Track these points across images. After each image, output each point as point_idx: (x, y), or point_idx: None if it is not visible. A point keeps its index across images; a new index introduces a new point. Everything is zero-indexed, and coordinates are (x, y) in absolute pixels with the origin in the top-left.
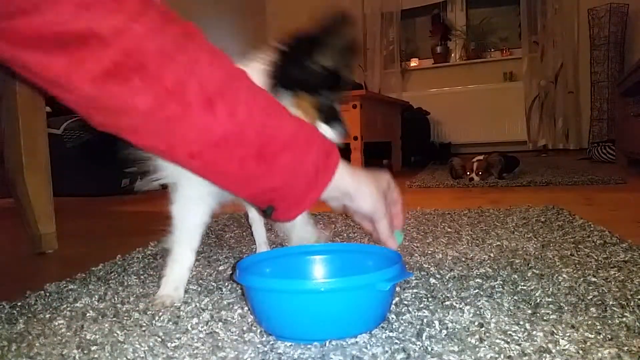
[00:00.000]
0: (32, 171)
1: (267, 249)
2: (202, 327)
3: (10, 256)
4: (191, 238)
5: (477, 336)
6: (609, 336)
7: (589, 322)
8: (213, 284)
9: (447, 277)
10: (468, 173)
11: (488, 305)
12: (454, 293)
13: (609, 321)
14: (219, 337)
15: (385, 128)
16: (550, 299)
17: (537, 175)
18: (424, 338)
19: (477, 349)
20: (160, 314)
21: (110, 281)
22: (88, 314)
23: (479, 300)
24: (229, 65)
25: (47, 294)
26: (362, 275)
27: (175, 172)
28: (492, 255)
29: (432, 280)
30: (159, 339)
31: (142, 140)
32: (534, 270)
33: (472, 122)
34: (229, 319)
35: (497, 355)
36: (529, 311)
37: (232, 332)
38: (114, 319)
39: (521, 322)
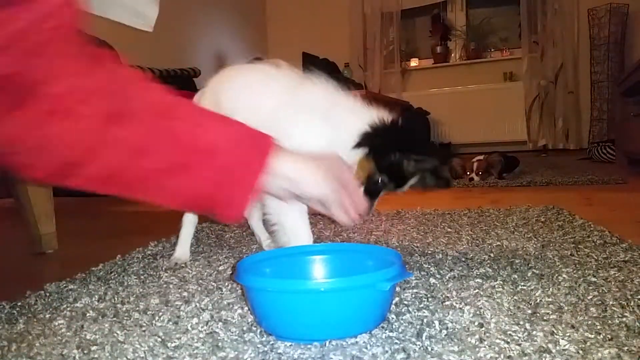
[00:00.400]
0: None
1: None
2: (202, 327)
3: (10, 256)
4: None
5: (477, 336)
6: (609, 336)
7: (589, 322)
8: (213, 284)
9: (447, 277)
10: (468, 173)
11: (488, 305)
12: (454, 293)
13: (609, 321)
14: (219, 337)
15: None
16: (550, 299)
17: (537, 175)
18: (424, 338)
19: (477, 349)
20: (161, 314)
21: (110, 281)
22: (88, 314)
23: (479, 300)
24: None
25: (47, 294)
26: (362, 275)
27: None
28: (492, 255)
29: (432, 280)
30: (159, 339)
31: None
32: (534, 270)
33: (472, 122)
34: (229, 319)
35: (497, 355)
36: (529, 311)
37: (232, 332)
38: (114, 319)
39: (521, 322)
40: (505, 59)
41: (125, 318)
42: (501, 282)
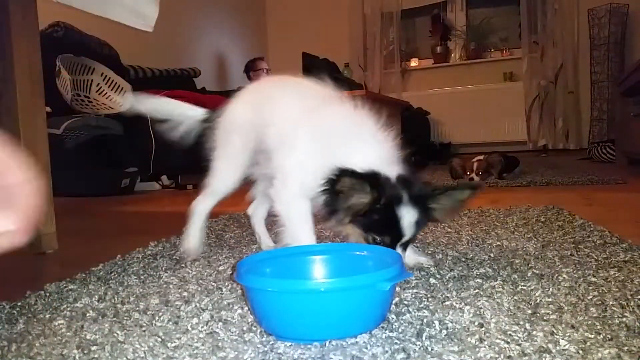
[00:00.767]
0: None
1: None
2: (202, 327)
3: (10, 256)
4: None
5: (477, 336)
6: (609, 336)
7: (589, 322)
8: (213, 284)
9: (447, 277)
10: (468, 173)
11: (488, 305)
12: (454, 293)
13: (609, 321)
14: (219, 337)
15: None
16: (550, 299)
17: (537, 175)
18: (424, 338)
19: (477, 349)
20: (161, 314)
21: (110, 281)
22: (88, 314)
23: (479, 300)
24: None
25: (47, 294)
26: (362, 275)
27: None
28: (492, 255)
29: (432, 280)
30: (159, 339)
31: None
32: (534, 270)
33: (472, 122)
34: (229, 319)
35: (497, 355)
36: (529, 311)
37: (232, 332)
38: (114, 319)
39: (521, 322)
40: (505, 59)
41: (125, 318)
42: (501, 282)
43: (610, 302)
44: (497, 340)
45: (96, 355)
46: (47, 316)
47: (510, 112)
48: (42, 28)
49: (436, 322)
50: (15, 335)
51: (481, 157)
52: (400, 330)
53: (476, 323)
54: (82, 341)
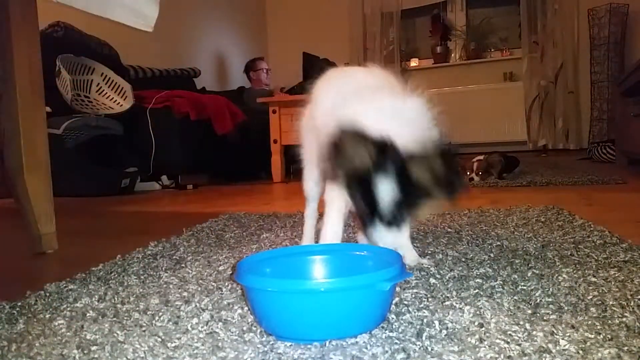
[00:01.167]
0: (32, 171)
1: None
2: (202, 327)
3: (10, 256)
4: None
5: (477, 336)
6: (609, 336)
7: (589, 322)
8: (213, 284)
9: (447, 277)
10: (468, 173)
11: (488, 305)
12: (454, 293)
13: (609, 321)
14: (219, 337)
15: None
16: (550, 299)
17: (537, 175)
18: (424, 338)
19: (477, 349)
20: (161, 314)
21: (110, 281)
22: (88, 314)
23: (479, 300)
24: None
25: (47, 294)
26: (362, 275)
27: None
28: (492, 255)
29: (432, 280)
30: (159, 339)
31: None
32: (534, 270)
33: (472, 122)
34: (229, 319)
35: (497, 355)
36: (529, 311)
37: (232, 332)
38: (114, 319)
39: (521, 322)
40: (505, 59)
41: (125, 318)
42: (501, 282)
43: (610, 302)
44: (497, 340)
45: (96, 355)
46: (47, 316)
47: (510, 112)
48: (42, 28)
49: (436, 322)
50: (15, 335)
51: (481, 157)
52: (400, 330)
53: (476, 323)
54: (82, 341)
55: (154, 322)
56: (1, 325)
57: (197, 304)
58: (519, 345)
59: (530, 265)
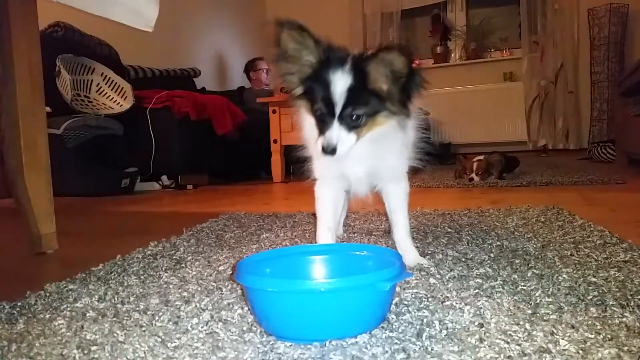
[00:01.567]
0: (32, 171)
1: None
2: (202, 327)
3: (10, 256)
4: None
5: (477, 336)
6: (609, 336)
7: (589, 322)
8: (213, 284)
9: (447, 277)
10: (468, 173)
11: (488, 305)
12: (454, 293)
13: (609, 321)
14: (219, 337)
15: None
16: (550, 299)
17: (537, 175)
18: (424, 338)
19: (477, 349)
20: (161, 314)
21: (110, 281)
22: (88, 314)
23: (479, 300)
24: None
25: (47, 294)
26: (362, 275)
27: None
28: (492, 255)
29: (432, 280)
30: (159, 339)
31: None
32: (534, 270)
33: (472, 122)
34: (229, 319)
35: (497, 355)
36: (529, 311)
37: (232, 332)
38: (114, 319)
39: (521, 322)
40: (505, 59)
41: (125, 318)
42: (501, 282)
43: (610, 302)
44: (497, 340)
45: (96, 355)
46: (47, 316)
47: (510, 112)
48: (42, 28)
49: (436, 322)
50: (15, 335)
51: (481, 157)
52: (400, 330)
53: (476, 323)
54: (82, 341)
55: (154, 322)
56: (1, 325)
57: (197, 304)
58: (519, 345)
59: (530, 265)
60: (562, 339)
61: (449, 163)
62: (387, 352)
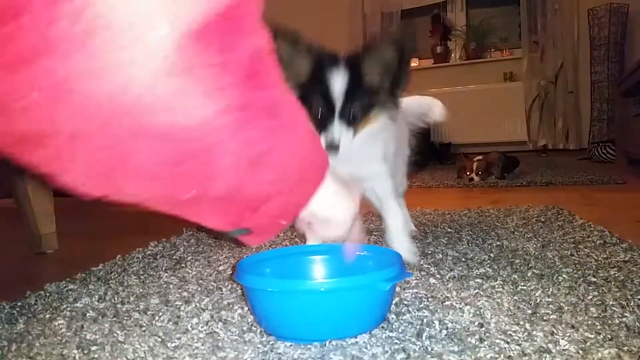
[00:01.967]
0: None
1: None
2: (202, 327)
3: (10, 256)
4: None
5: (477, 336)
6: (609, 336)
7: (589, 322)
8: (213, 284)
9: (447, 277)
10: (468, 173)
11: (488, 305)
12: (454, 293)
13: (609, 321)
14: (219, 337)
15: None
16: (550, 299)
17: (537, 175)
18: (424, 338)
19: (477, 349)
20: (161, 314)
21: (110, 281)
22: (88, 314)
23: (479, 300)
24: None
25: (47, 294)
26: (362, 275)
27: None
28: (492, 255)
29: (432, 280)
30: (159, 339)
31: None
32: (534, 270)
33: (472, 122)
34: (229, 319)
35: (497, 355)
36: (529, 311)
37: (232, 332)
38: (114, 319)
39: (521, 322)
40: (505, 59)
41: (125, 318)
42: (501, 282)
43: (610, 302)
44: (497, 340)
45: (96, 355)
46: (47, 316)
47: (510, 112)
48: None
49: (436, 322)
50: (15, 335)
51: (481, 157)
52: (400, 330)
53: (476, 323)
54: (82, 341)
55: (154, 322)
56: (1, 325)
57: (197, 304)
58: (519, 345)
59: (530, 265)
60: (562, 339)
61: (449, 163)
62: (387, 352)
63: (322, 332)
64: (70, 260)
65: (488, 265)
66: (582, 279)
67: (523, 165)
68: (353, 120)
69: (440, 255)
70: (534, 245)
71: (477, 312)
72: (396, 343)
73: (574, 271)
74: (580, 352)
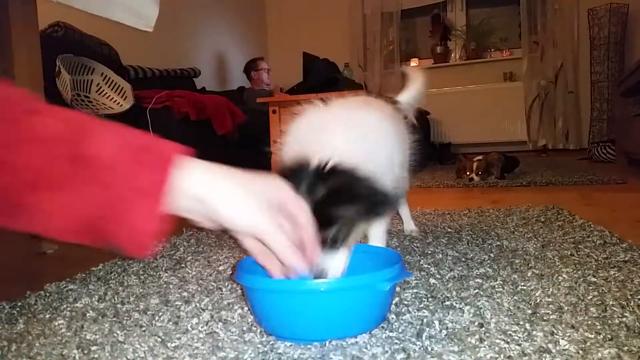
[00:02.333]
0: None
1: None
2: (202, 327)
3: (10, 256)
4: None
5: (477, 336)
6: (609, 336)
7: (589, 322)
8: (213, 284)
9: (447, 277)
10: (468, 173)
11: (488, 305)
12: (454, 293)
13: (609, 321)
14: (219, 337)
15: None
16: (550, 299)
17: (537, 175)
18: (424, 338)
19: (477, 349)
20: (161, 314)
21: (110, 281)
22: (88, 314)
23: (479, 300)
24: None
25: (47, 294)
26: (362, 275)
27: None
28: (492, 255)
29: (432, 280)
30: (159, 339)
31: None
32: (534, 270)
33: (472, 122)
34: (229, 319)
35: (497, 355)
36: (529, 311)
37: (232, 332)
38: (114, 319)
39: (521, 322)
40: (505, 59)
41: (125, 318)
42: (501, 282)
43: (610, 302)
44: (497, 340)
45: (96, 355)
46: (47, 316)
47: (510, 112)
48: (42, 28)
49: (436, 322)
50: (15, 335)
51: (481, 157)
52: (400, 330)
53: (476, 323)
54: (82, 341)
55: (154, 322)
56: (1, 325)
57: (197, 304)
58: (519, 345)
59: (530, 265)
60: (562, 339)
61: (449, 163)
62: (387, 352)
63: (322, 332)
64: (70, 260)
65: (488, 265)
66: (582, 279)
67: (523, 165)
68: (336, 242)
69: (440, 255)
70: (534, 245)
71: (477, 312)
72: (396, 343)
73: (574, 271)
74: (580, 352)
